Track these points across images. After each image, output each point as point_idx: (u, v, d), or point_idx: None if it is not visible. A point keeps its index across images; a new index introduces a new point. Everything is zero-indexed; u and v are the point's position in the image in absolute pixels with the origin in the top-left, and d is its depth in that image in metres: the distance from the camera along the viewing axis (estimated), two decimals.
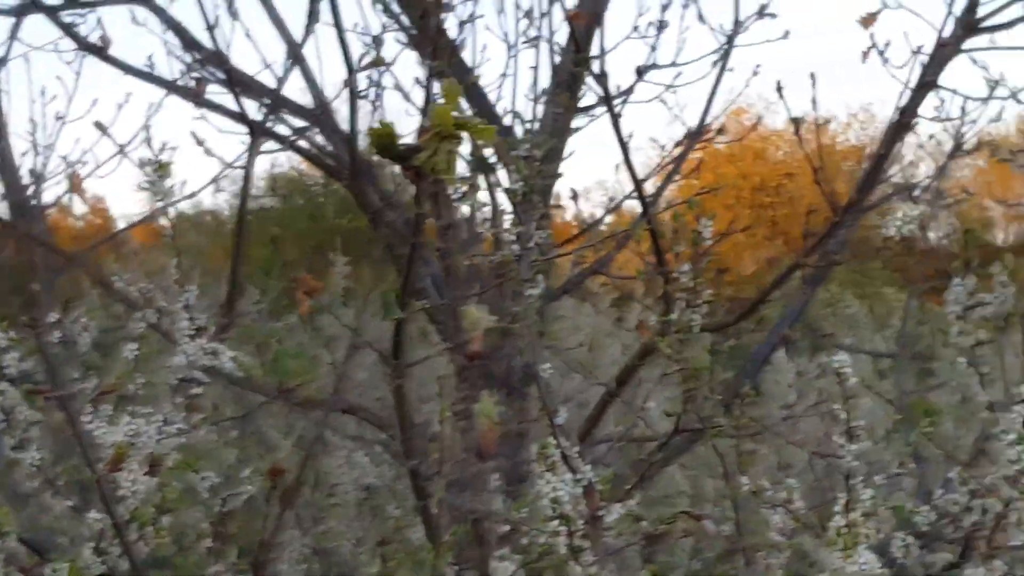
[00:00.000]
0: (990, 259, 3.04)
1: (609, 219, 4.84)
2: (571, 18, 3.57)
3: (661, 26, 4.08)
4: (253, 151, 3.64)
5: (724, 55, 4.23)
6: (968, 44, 3.64)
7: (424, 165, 1.36)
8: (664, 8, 4.09)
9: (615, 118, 3.55)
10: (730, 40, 4.21)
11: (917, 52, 3.54)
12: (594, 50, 3.85)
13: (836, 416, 2.26)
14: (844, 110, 31.06)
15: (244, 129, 3.77)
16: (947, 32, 3.60)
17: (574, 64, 3.87)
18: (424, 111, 3.59)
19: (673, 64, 4.20)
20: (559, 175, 3.98)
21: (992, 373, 2.74)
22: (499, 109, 4.16)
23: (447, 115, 1.40)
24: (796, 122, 3.43)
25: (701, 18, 4.23)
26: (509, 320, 2.40)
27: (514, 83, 4.12)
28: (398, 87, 4.11)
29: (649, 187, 4.23)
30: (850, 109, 31.48)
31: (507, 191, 2.49)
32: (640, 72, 4.05)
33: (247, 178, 3.85)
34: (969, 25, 3.59)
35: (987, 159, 3.49)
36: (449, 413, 2.23)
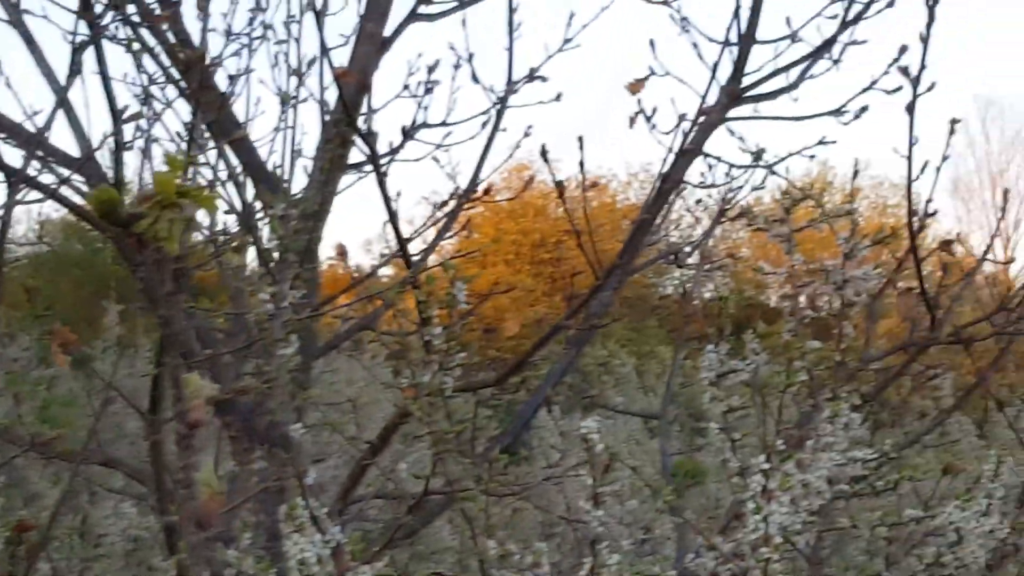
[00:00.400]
0: (768, 319, 3.10)
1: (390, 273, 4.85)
2: (338, 76, 3.56)
3: (429, 86, 4.12)
4: (11, 199, 3.54)
5: (497, 115, 4.28)
6: (734, 112, 3.72)
7: (146, 233, 1.34)
8: (431, 70, 4.12)
9: (380, 177, 3.54)
10: (502, 101, 4.26)
11: (682, 119, 3.60)
12: (364, 108, 3.87)
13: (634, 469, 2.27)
14: (624, 169, 31.64)
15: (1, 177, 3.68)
16: (713, 99, 3.68)
17: (342, 123, 3.87)
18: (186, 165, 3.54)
19: (444, 124, 4.24)
20: (319, 234, 3.97)
21: (746, 439, 2.79)
22: (271, 164, 4.14)
23: (168, 183, 1.38)
24: (559, 186, 3.46)
25: (475, 78, 4.26)
26: (263, 379, 2.38)
27: (284, 138, 4.11)
28: (173, 138, 4.06)
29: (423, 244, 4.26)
30: (631, 168, 32.12)
31: (260, 252, 2.47)
32: (406, 132, 4.08)
33: (5, 225, 3.75)
34: (733, 94, 3.66)
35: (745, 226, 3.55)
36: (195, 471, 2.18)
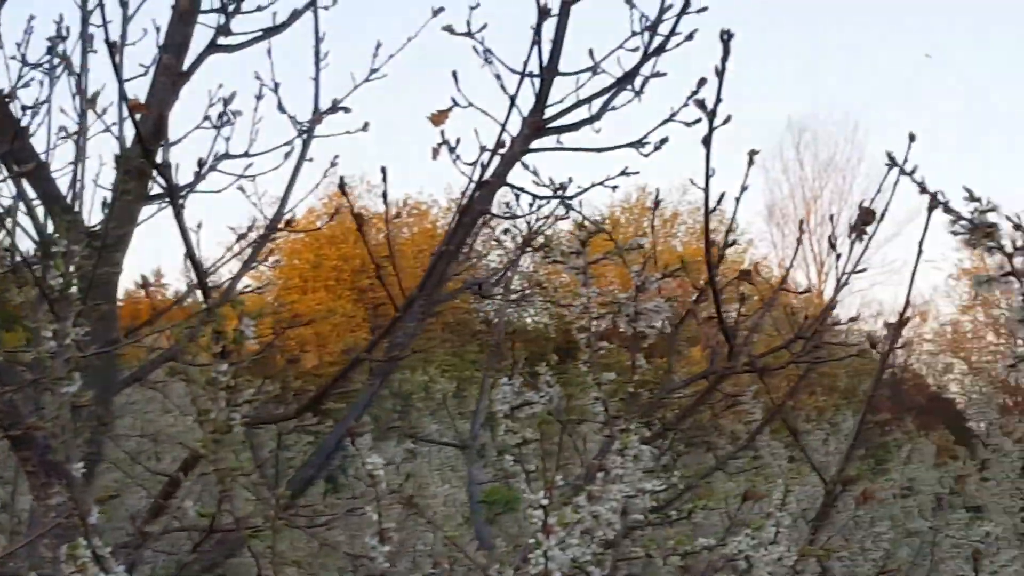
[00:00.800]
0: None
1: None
2: (133, 108, 3.51)
3: (227, 117, 4.09)
4: None
5: (304, 144, 4.26)
6: (538, 143, 3.73)
7: None
8: (226, 102, 4.09)
9: (177, 209, 3.50)
10: (308, 131, 4.25)
11: (483, 150, 3.60)
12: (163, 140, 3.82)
13: (416, 506, 2.26)
14: (446, 195, 31.72)
15: None
16: (516, 131, 3.68)
17: (138, 155, 3.81)
18: None
19: (246, 154, 4.21)
20: (118, 267, 3.90)
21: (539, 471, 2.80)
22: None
23: None
24: (359, 219, 3.45)
25: (281, 108, 4.25)
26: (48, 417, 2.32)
27: (79, 170, 4.04)
28: None
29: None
30: (452, 194, 32.22)
31: (42, 288, 2.41)
32: (202, 163, 4.04)
33: None
34: (536, 125, 3.67)
35: (554, 257, 3.56)
36: None
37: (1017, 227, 1.88)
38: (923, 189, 1.94)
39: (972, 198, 1.88)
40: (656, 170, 3.94)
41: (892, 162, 2.11)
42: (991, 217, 1.89)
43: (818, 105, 60.58)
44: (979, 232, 1.88)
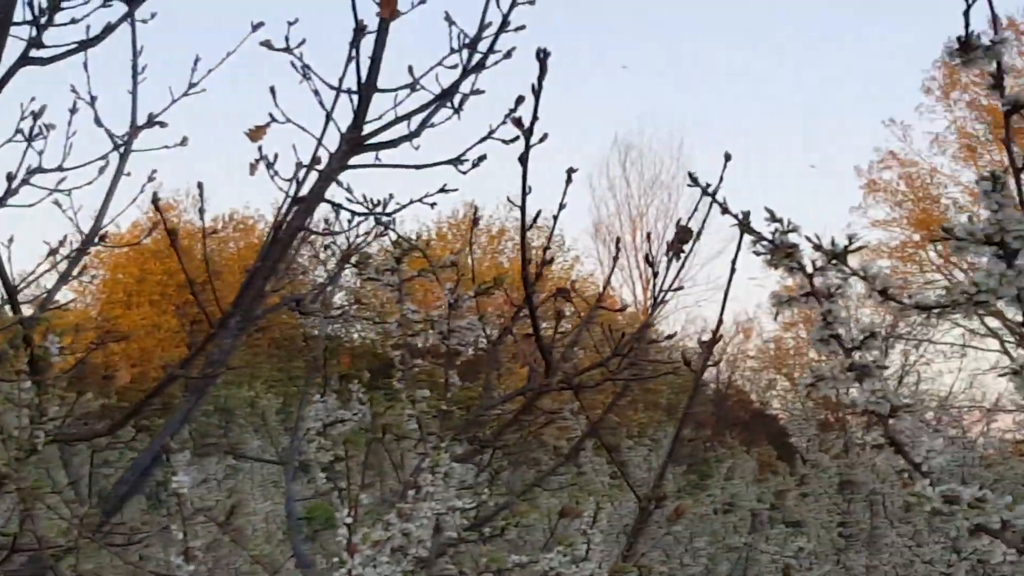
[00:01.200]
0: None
1: None
2: None
3: (38, 130, 4.02)
4: None
5: (121, 159, 4.20)
6: (357, 159, 3.71)
7: None
8: (36, 116, 4.02)
9: None
10: (125, 145, 4.19)
11: (299, 166, 3.59)
12: None
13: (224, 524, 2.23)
14: (272, 211, 31.52)
15: None
16: (335, 147, 3.66)
17: None
18: None
19: (60, 168, 4.14)
20: None
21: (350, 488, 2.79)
22: None
23: None
24: (171, 234, 3.41)
25: (98, 122, 4.18)
26: None
27: None
28: None
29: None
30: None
31: None
32: (11, 177, 3.96)
33: None
34: (354, 141, 3.66)
35: (369, 274, 3.54)
36: None
37: (817, 247, 1.92)
38: (725, 210, 1.97)
39: (773, 219, 1.91)
40: (486, 186, 3.96)
41: (694, 182, 2.13)
42: (792, 238, 1.93)
43: (644, 123, 61.33)
44: (780, 252, 1.92)
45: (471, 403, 3.43)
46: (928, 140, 33.10)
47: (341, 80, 3.55)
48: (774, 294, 1.94)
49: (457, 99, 3.73)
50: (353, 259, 3.92)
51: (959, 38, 1.80)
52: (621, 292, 33.41)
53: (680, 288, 3.71)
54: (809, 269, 1.94)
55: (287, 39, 3.61)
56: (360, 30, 3.49)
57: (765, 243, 1.91)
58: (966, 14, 1.79)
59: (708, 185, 2.29)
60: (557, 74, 3.24)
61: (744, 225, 1.94)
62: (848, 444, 7.70)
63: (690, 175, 2.17)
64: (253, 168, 3.63)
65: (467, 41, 3.61)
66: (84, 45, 4.05)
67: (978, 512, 1.84)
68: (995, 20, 1.81)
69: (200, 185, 3.53)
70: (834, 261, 1.91)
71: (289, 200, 3.55)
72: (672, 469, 8.52)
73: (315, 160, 3.57)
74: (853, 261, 1.93)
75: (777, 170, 45.03)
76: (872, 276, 1.88)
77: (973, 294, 1.77)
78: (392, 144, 3.72)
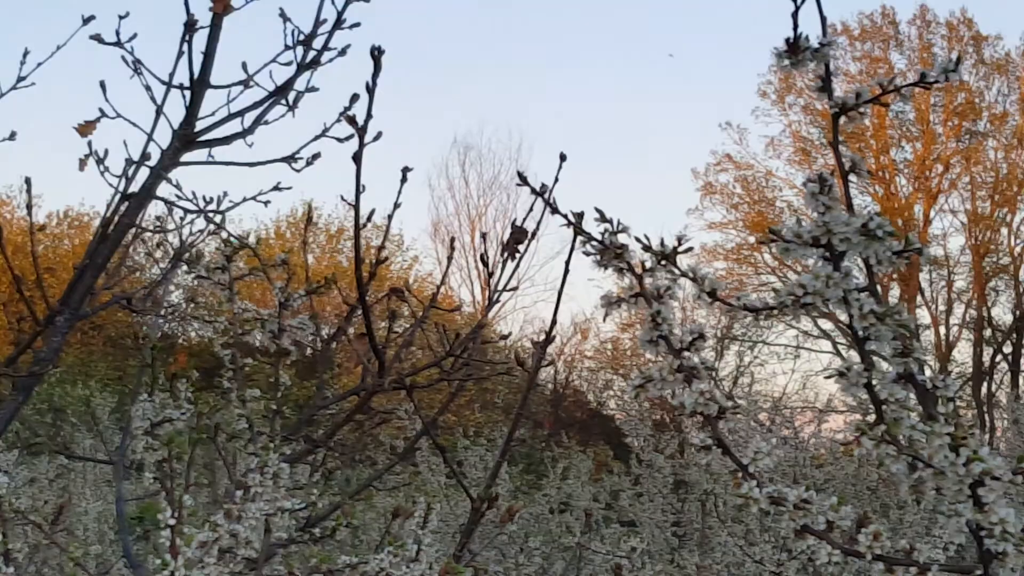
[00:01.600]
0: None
1: None
2: None
3: None
4: None
5: None
6: (189, 156, 3.66)
7: None
8: None
9: None
10: None
11: (129, 163, 3.53)
12: None
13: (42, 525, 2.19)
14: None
15: None
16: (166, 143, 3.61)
17: None
18: None
19: None
20: None
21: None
22: None
23: None
24: None
25: None
26: None
27: None
28: None
29: None
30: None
31: None
32: None
33: None
34: (186, 138, 3.60)
35: (199, 272, 3.50)
36: None
37: (647, 248, 1.93)
38: (554, 210, 1.97)
39: (603, 219, 1.92)
40: (326, 186, 3.93)
41: (523, 181, 2.14)
42: (622, 238, 1.94)
43: (484, 124, 61.50)
44: (609, 253, 1.93)
45: (305, 402, 3.41)
46: (764, 144, 33.63)
47: (171, 75, 3.50)
48: (603, 295, 1.95)
49: (292, 96, 3.69)
50: (185, 257, 3.87)
51: (787, 40, 1.82)
52: (460, 292, 33.42)
53: (515, 288, 3.71)
54: (639, 270, 1.94)
55: (118, 33, 3.55)
56: (191, 25, 3.44)
57: (595, 244, 1.92)
58: (794, 16, 1.81)
59: (544, 186, 2.30)
60: (397, 74, 3.24)
61: (574, 225, 1.95)
62: (683, 444, 7.77)
63: (519, 175, 2.17)
64: (82, 164, 3.56)
65: (302, 38, 3.58)
66: None
67: (804, 513, 1.86)
68: (824, 23, 1.83)
69: (28, 180, 3.46)
70: (663, 262, 1.92)
71: (119, 196, 3.49)
72: (509, 469, 8.55)
73: (145, 156, 3.51)
74: (684, 262, 1.94)
75: (616, 173, 45.29)
76: (701, 277, 1.89)
77: (800, 296, 1.79)
78: (225, 141, 3.68)
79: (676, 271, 1.92)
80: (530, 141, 42.59)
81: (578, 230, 1.93)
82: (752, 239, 32.73)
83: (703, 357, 1.98)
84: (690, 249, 1.92)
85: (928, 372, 1.83)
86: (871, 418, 1.80)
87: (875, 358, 1.80)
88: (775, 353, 33.03)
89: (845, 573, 3.75)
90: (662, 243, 1.91)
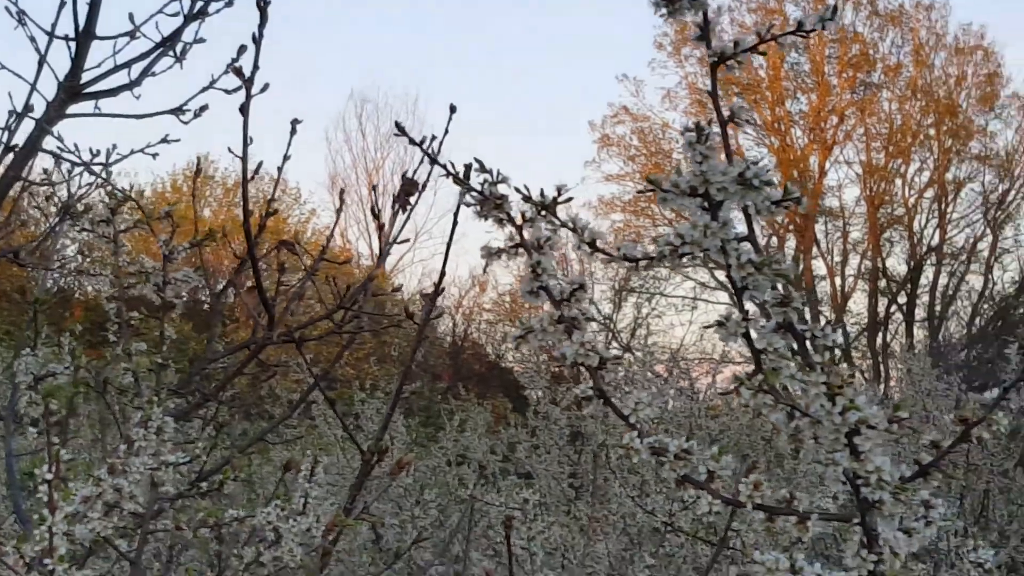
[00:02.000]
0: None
1: None
2: None
3: None
4: None
5: None
6: (75, 108, 3.61)
7: None
8: None
9: None
10: None
11: (12, 114, 3.48)
12: None
13: None
14: None
15: None
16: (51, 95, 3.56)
17: None
18: None
19: None
20: None
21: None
22: None
23: None
24: None
25: None
26: None
27: None
28: None
29: None
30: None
31: None
32: None
33: None
34: (72, 90, 3.56)
35: (83, 226, 3.47)
36: None
37: (527, 199, 1.93)
38: (433, 160, 1.98)
39: (483, 169, 1.92)
40: (222, 139, 3.89)
41: (401, 132, 2.13)
42: (501, 189, 1.94)
43: (381, 77, 61.19)
44: (489, 204, 1.93)
45: (196, 356, 3.39)
46: (660, 96, 33.76)
47: (54, 26, 3.46)
48: (484, 246, 1.95)
49: (179, 47, 3.65)
50: (71, 211, 3.83)
51: None
52: (359, 245, 33.26)
53: (408, 240, 3.71)
54: (518, 220, 1.95)
55: None
56: None
57: (474, 194, 1.92)
58: None
59: (425, 138, 2.30)
60: (295, 26, 3.22)
61: (454, 176, 1.94)
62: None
63: (397, 125, 2.17)
64: None
65: None
66: None
67: (684, 463, 1.88)
68: None
69: None
70: (543, 212, 1.92)
71: (2, 149, 3.45)
72: (407, 422, 8.55)
73: (28, 108, 3.46)
74: (563, 212, 1.94)
75: (517, 129, 45.32)
76: (581, 228, 1.90)
77: (678, 246, 1.80)
78: (112, 93, 3.63)
79: (556, 221, 1.92)
80: (427, 95, 42.39)
81: (457, 180, 1.93)
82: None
83: (583, 308, 1.98)
84: (570, 199, 1.92)
85: (823, 321, 1.85)
86: None
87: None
88: (673, 305, 33.25)
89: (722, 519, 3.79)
90: (542, 193, 1.91)
